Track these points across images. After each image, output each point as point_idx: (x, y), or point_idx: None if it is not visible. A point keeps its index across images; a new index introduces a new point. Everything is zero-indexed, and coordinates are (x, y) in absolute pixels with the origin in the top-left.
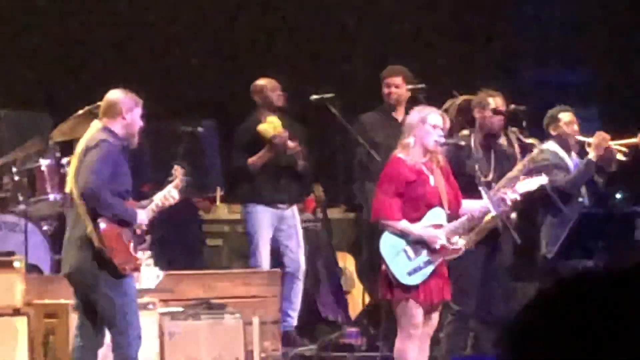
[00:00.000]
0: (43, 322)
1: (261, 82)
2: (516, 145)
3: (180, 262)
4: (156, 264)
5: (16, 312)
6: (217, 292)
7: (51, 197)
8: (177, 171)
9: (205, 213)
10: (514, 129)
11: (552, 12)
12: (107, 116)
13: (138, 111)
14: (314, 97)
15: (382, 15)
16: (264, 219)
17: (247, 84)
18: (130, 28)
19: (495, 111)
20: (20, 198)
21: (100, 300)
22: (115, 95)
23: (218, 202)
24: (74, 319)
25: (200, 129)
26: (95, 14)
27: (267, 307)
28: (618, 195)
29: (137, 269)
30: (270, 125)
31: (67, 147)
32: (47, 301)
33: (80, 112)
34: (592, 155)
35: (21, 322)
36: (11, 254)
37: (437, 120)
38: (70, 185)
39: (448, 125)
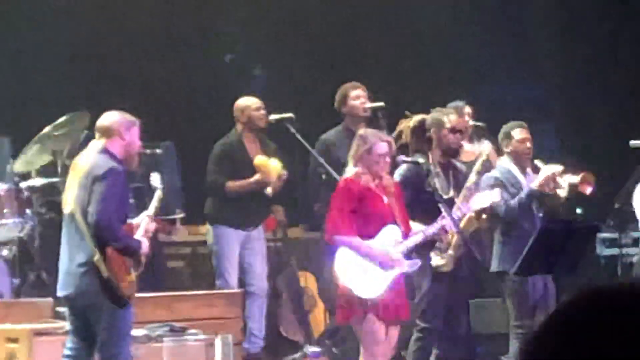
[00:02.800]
0: (4, 347)
1: (244, 101)
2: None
3: (142, 284)
4: None
5: None
6: (179, 314)
7: (10, 221)
8: (156, 179)
9: (165, 235)
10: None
11: (509, 28)
12: (106, 137)
13: (136, 131)
14: (274, 117)
15: (338, 33)
16: (232, 240)
17: (205, 105)
18: (87, 49)
19: (453, 130)
20: None
21: (102, 324)
22: (112, 116)
23: (178, 224)
24: (36, 343)
25: (158, 150)
26: (52, 37)
27: (230, 328)
28: (578, 210)
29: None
30: (271, 167)
31: (25, 173)
32: (8, 326)
33: (37, 137)
34: (534, 184)
35: None
36: None
37: (384, 149)
38: (71, 207)
39: (394, 149)
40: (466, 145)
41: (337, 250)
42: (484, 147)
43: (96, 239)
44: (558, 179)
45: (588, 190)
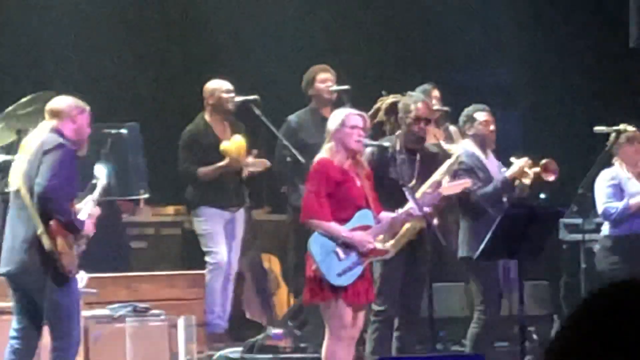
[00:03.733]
0: None
1: (213, 83)
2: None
3: (105, 264)
4: (80, 266)
5: None
6: (142, 295)
7: None
8: (100, 171)
9: (129, 215)
10: (451, 126)
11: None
12: (57, 118)
13: (86, 116)
14: (238, 98)
15: (311, 16)
16: (217, 220)
17: (172, 85)
18: (55, 29)
19: (417, 119)
20: None
21: (45, 302)
22: (63, 99)
23: (142, 205)
24: (4, 321)
25: (123, 131)
26: (21, 13)
27: (192, 309)
28: (542, 196)
29: (77, 272)
30: (235, 147)
31: None
32: None
33: (1, 115)
34: (508, 173)
35: None
36: None
37: (356, 121)
38: (17, 185)
39: (369, 124)
40: (445, 145)
41: (310, 235)
42: (458, 149)
43: (41, 211)
44: (526, 169)
45: (551, 178)
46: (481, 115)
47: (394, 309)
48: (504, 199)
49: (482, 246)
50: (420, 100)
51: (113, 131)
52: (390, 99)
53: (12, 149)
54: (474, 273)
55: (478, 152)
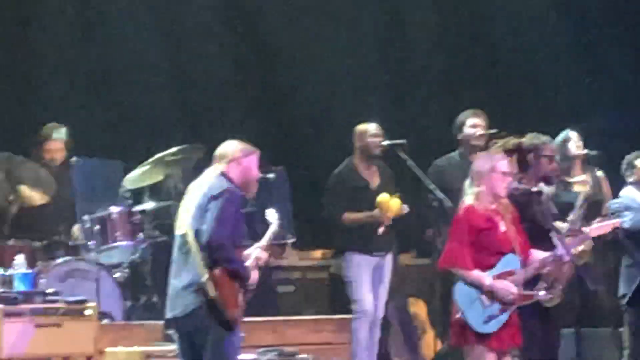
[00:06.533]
0: None
1: (362, 127)
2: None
3: (252, 309)
4: None
5: (89, 359)
6: (289, 339)
7: (123, 244)
8: (272, 216)
9: (276, 259)
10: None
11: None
12: (223, 162)
13: (254, 159)
14: (386, 142)
15: (452, 60)
16: (363, 265)
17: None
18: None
19: (550, 157)
20: (92, 245)
21: (207, 346)
22: (230, 143)
23: (289, 249)
24: None
25: (270, 175)
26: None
27: (339, 353)
28: None
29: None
30: (390, 206)
31: (137, 195)
32: (120, 348)
33: (152, 159)
34: None
35: None
36: (83, 301)
37: (506, 167)
38: (184, 229)
39: (514, 170)
40: (579, 176)
41: (456, 280)
42: (587, 178)
43: (207, 259)
44: None
45: None
46: None
47: (536, 355)
48: None
49: (631, 291)
50: (547, 139)
51: (260, 176)
52: (511, 140)
53: (160, 194)
54: (629, 314)
55: (639, 198)
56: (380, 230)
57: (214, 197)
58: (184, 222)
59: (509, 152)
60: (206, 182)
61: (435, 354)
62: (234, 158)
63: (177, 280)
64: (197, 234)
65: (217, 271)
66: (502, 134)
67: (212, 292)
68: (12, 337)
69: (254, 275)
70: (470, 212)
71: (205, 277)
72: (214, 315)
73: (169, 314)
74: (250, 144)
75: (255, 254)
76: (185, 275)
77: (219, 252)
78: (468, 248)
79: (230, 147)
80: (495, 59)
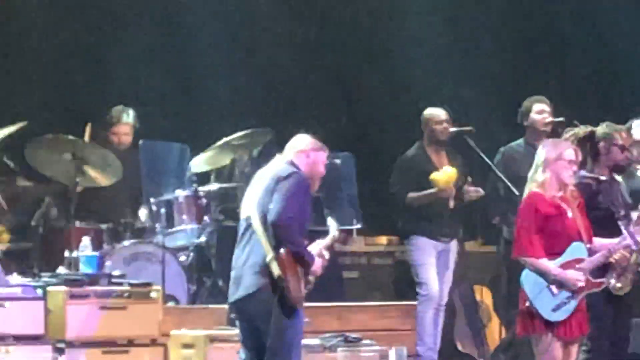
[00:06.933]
0: (180, 353)
1: (428, 113)
2: None
3: (316, 294)
4: None
5: (153, 342)
6: (353, 325)
7: (189, 228)
8: (332, 224)
9: (341, 245)
10: None
11: None
12: (293, 152)
13: (322, 155)
14: (452, 129)
15: (522, 47)
16: (429, 249)
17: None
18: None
19: (622, 147)
20: (158, 228)
21: (269, 330)
22: (302, 136)
23: (355, 235)
24: (211, 349)
25: (337, 161)
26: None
27: (404, 340)
28: None
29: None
30: (444, 178)
31: (203, 179)
32: (184, 331)
33: (219, 143)
34: None
35: (158, 353)
36: (148, 284)
37: (572, 154)
38: (249, 212)
39: (580, 158)
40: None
41: (523, 269)
42: None
43: (273, 239)
44: None
45: None
46: None
47: (604, 345)
48: None
49: None
50: (621, 129)
51: (327, 161)
52: (583, 128)
53: (226, 179)
54: None
55: None
56: (452, 203)
57: (283, 179)
58: (249, 206)
59: (581, 140)
60: (274, 168)
61: (500, 342)
62: (304, 150)
63: (240, 263)
64: (263, 217)
65: (282, 252)
66: (569, 122)
67: (276, 271)
68: (77, 320)
69: (318, 263)
70: (537, 199)
71: (270, 256)
72: (276, 297)
73: (231, 297)
74: (318, 132)
75: (318, 247)
76: (249, 257)
77: (285, 232)
78: (536, 235)
79: (301, 140)
80: (563, 47)
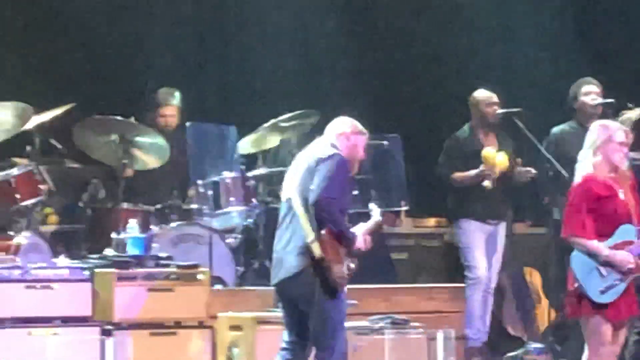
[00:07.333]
0: (227, 335)
1: (478, 94)
2: None
3: (364, 276)
4: None
5: (200, 324)
6: (401, 307)
7: (236, 210)
8: (375, 210)
9: (390, 227)
10: None
11: None
12: (333, 134)
13: (362, 139)
14: (501, 111)
15: (572, 28)
16: (477, 232)
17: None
18: (315, 47)
19: None
20: (205, 210)
21: (312, 311)
22: (343, 119)
23: (402, 216)
24: (259, 331)
25: (385, 142)
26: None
27: (452, 322)
28: None
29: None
30: (495, 159)
31: (251, 161)
32: (231, 314)
33: (266, 124)
34: None
35: (205, 335)
36: (196, 266)
37: (623, 136)
38: (290, 194)
39: (631, 140)
40: None
41: (572, 250)
42: None
43: (314, 220)
44: None
45: None
46: None
47: None
48: None
49: None
50: None
51: (375, 142)
52: (637, 111)
53: (274, 161)
54: None
55: None
56: (485, 182)
57: (323, 160)
58: (290, 188)
59: (635, 122)
60: (314, 150)
61: (549, 324)
62: (344, 132)
63: (281, 245)
64: (304, 198)
65: (323, 232)
66: (623, 104)
67: (317, 252)
68: (124, 301)
69: (360, 243)
70: (589, 180)
71: (311, 237)
72: (318, 278)
73: (273, 280)
74: (364, 114)
75: (361, 229)
76: (290, 239)
77: (326, 211)
78: (587, 216)
79: (342, 122)
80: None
